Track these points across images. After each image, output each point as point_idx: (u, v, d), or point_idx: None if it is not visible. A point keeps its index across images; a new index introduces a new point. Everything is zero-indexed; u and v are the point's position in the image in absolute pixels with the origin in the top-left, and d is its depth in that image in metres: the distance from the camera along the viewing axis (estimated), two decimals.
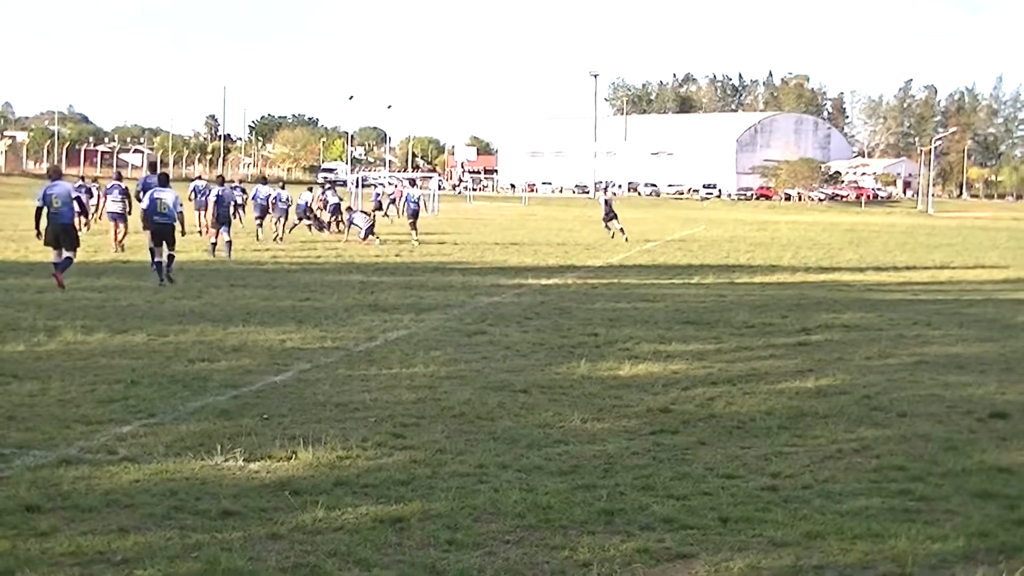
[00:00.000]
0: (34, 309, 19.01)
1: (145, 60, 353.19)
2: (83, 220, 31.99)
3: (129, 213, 34.08)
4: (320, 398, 12.31)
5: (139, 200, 27.49)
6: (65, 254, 22.90)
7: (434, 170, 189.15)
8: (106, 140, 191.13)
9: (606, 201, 49.36)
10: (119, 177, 36.23)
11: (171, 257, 24.41)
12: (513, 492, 8.76)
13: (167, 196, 24.56)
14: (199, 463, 9.40)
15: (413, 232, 42.36)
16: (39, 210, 23.05)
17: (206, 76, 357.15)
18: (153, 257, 24.19)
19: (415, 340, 16.76)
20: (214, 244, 31.89)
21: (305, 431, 10.53)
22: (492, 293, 23.90)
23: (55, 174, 24.16)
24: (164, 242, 24.14)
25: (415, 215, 43.21)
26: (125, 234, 33.77)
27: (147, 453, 9.69)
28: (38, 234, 23.35)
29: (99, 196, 42.83)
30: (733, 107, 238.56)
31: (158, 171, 30.98)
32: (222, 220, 32.05)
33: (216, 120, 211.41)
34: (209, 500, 8.42)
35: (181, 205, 24.99)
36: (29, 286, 22.61)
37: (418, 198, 44.52)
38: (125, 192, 34.39)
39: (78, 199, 25.34)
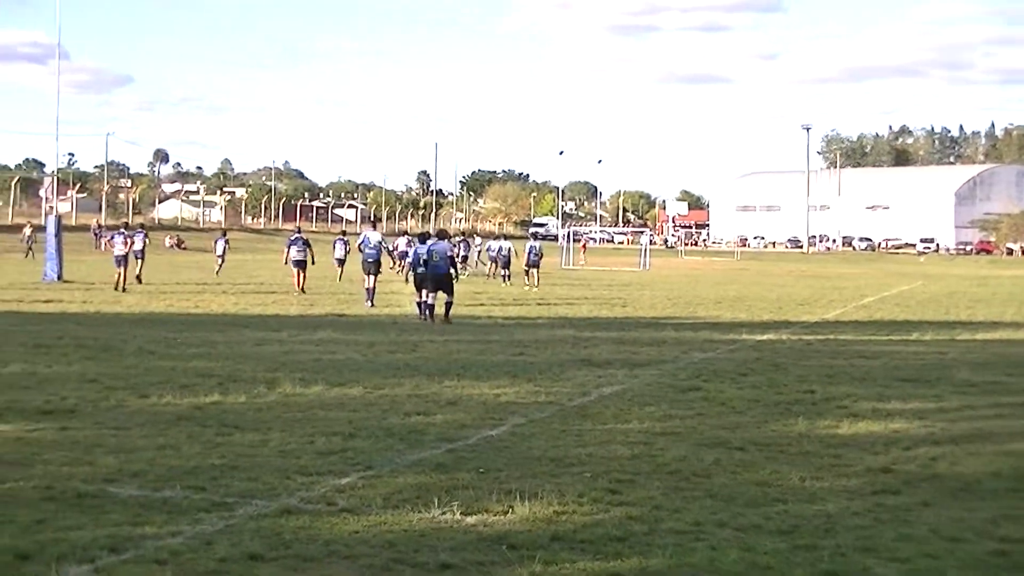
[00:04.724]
0: (253, 361, 19.51)
1: (359, 117, 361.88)
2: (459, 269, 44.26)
3: (313, 263, 38.76)
4: (535, 452, 12.32)
5: (360, 250, 34.36)
6: (446, 298, 28.55)
7: (645, 225, 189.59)
8: (321, 196, 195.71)
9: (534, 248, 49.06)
10: (343, 233, 41.05)
11: (449, 304, 28.80)
12: (731, 551, 8.63)
13: (439, 249, 28.78)
14: (417, 515, 9.48)
15: (505, 274, 49.78)
16: (417, 260, 29.06)
17: (419, 132, 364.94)
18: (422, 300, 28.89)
19: (629, 395, 16.68)
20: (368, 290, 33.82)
21: (521, 485, 10.55)
22: (705, 348, 23.70)
23: (442, 235, 30.31)
24: (440, 289, 28.62)
25: (507, 264, 49.75)
26: (304, 280, 38.22)
27: (365, 505, 9.81)
28: (415, 278, 29.23)
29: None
30: (951, 159, 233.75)
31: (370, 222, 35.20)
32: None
33: (428, 175, 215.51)
34: (427, 553, 8.47)
35: (451, 250, 29.76)
36: (248, 339, 23.23)
37: (508, 249, 50.45)
38: (307, 243, 38.94)
39: (453, 254, 30.25)
